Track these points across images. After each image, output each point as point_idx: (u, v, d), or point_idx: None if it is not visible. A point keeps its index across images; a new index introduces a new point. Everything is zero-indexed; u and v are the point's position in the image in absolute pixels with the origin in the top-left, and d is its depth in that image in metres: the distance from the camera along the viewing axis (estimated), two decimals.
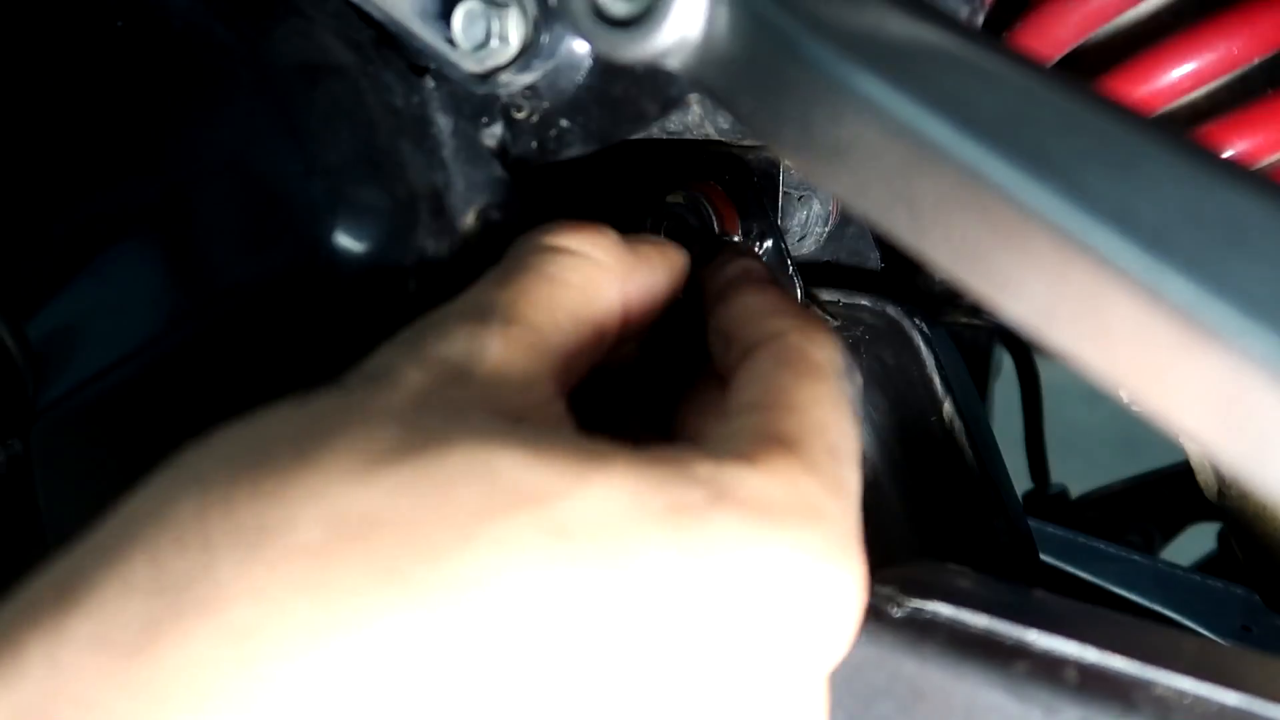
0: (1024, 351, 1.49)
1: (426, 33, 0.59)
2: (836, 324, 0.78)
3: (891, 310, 0.80)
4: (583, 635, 0.31)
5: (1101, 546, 1.13)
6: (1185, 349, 0.36)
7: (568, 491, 0.32)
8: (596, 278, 0.47)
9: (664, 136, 0.69)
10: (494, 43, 0.55)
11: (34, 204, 0.74)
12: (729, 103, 0.48)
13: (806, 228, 0.84)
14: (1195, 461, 0.80)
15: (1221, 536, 1.38)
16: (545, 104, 0.58)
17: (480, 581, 0.29)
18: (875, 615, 0.53)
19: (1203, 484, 0.80)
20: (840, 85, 0.43)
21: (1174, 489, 1.47)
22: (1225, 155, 0.45)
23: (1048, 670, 0.49)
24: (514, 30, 0.55)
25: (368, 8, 0.62)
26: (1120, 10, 0.59)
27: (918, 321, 0.80)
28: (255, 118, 0.61)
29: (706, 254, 0.59)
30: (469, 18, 0.56)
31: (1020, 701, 0.49)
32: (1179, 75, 0.58)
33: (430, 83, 0.62)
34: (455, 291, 0.48)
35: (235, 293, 0.66)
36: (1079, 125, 0.39)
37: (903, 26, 0.43)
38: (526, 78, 0.57)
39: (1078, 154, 0.39)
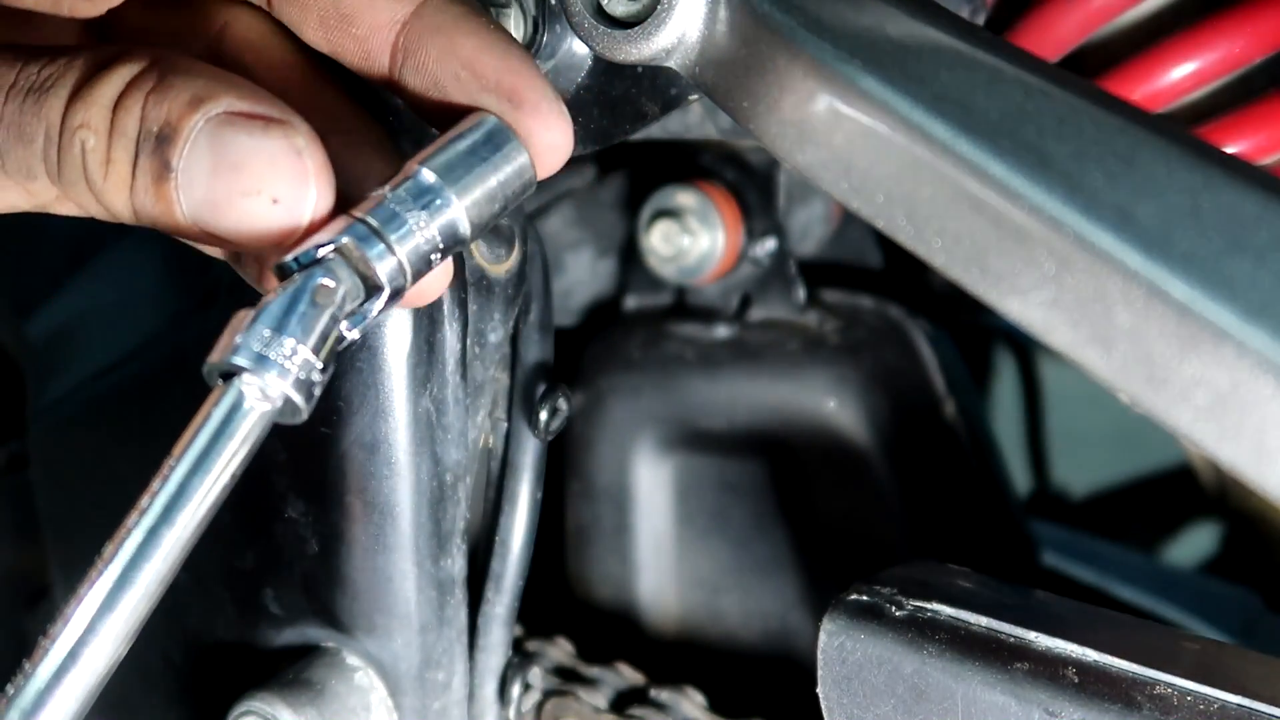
0: (1024, 351, 1.50)
1: None
2: (839, 324, 0.78)
3: (893, 311, 0.80)
4: None
5: (1101, 546, 1.13)
6: (1185, 348, 0.36)
7: None
8: None
9: (665, 136, 0.69)
10: None
11: None
12: (728, 103, 0.47)
13: (808, 228, 0.85)
14: (1196, 462, 0.80)
15: (1222, 536, 1.38)
16: None
17: None
18: (875, 615, 0.53)
19: (1204, 484, 0.80)
20: (841, 85, 0.43)
21: (1174, 489, 1.47)
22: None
23: (1048, 670, 0.49)
24: (514, 30, 0.55)
25: None
26: (1120, 10, 0.59)
27: (920, 322, 0.81)
28: None
29: None
30: None
31: (1020, 701, 0.49)
32: (1179, 75, 0.58)
33: None
34: None
35: (234, 291, 0.67)
36: (1080, 124, 0.39)
37: (903, 26, 0.43)
38: None
39: (1078, 153, 0.39)
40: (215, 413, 0.39)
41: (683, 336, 0.80)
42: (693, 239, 0.76)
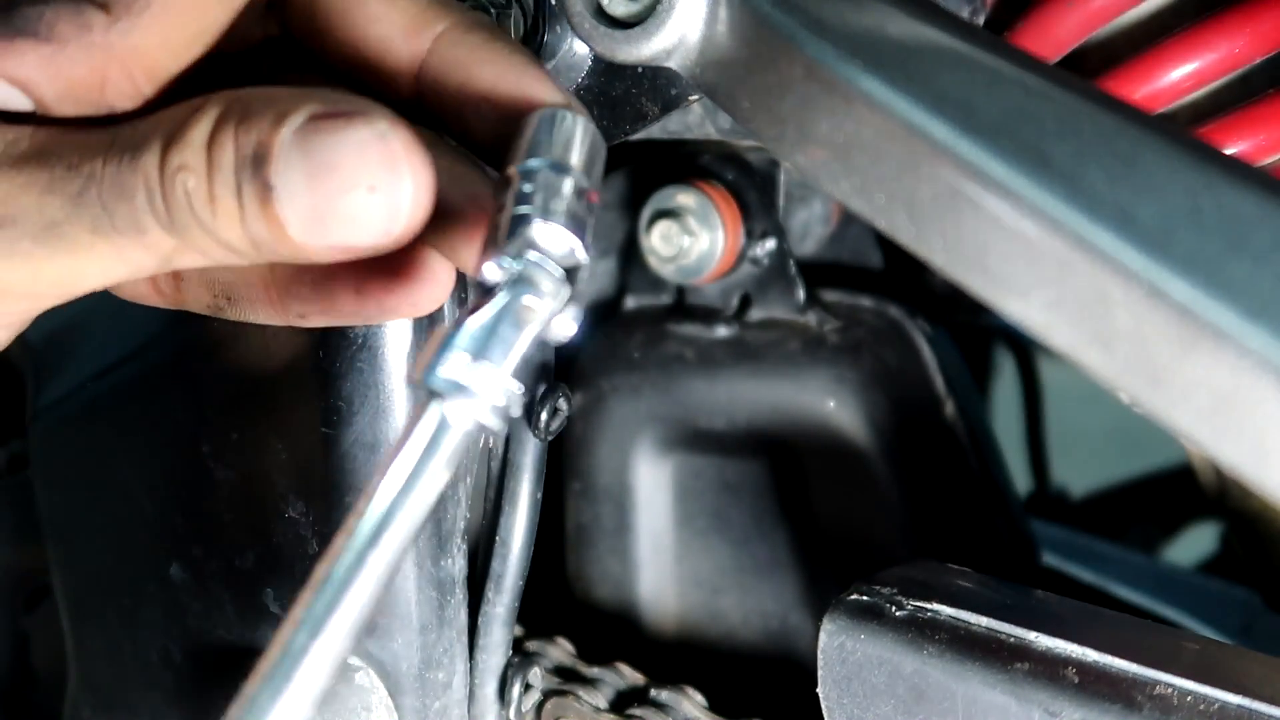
0: (1024, 351, 1.50)
1: None
2: (839, 324, 0.78)
3: (893, 311, 0.80)
4: None
5: (1101, 546, 1.13)
6: (1185, 349, 0.36)
7: None
8: None
9: (665, 136, 0.69)
10: None
11: None
12: (728, 103, 0.48)
13: (808, 228, 0.85)
14: (1196, 461, 0.80)
15: (1222, 536, 1.38)
16: None
17: None
18: (875, 615, 0.53)
19: (1204, 484, 0.80)
20: (841, 85, 0.43)
21: (1174, 489, 1.47)
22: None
23: (1048, 670, 0.49)
24: (514, 30, 0.55)
25: None
26: (1120, 10, 0.59)
27: (920, 322, 0.81)
28: None
29: None
30: None
31: (1020, 701, 0.49)
32: (1180, 75, 0.58)
33: None
34: None
35: None
36: (1080, 124, 0.39)
37: (904, 26, 0.43)
38: None
39: (1078, 153, 0.39)
40: (418, 433, 0.39)
41: (683, 336, 0.80)
42: (693, 239, 0.76)
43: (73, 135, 0.43)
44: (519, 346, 0.39)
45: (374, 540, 0.38)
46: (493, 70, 0.45)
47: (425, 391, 0.39)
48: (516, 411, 0.40)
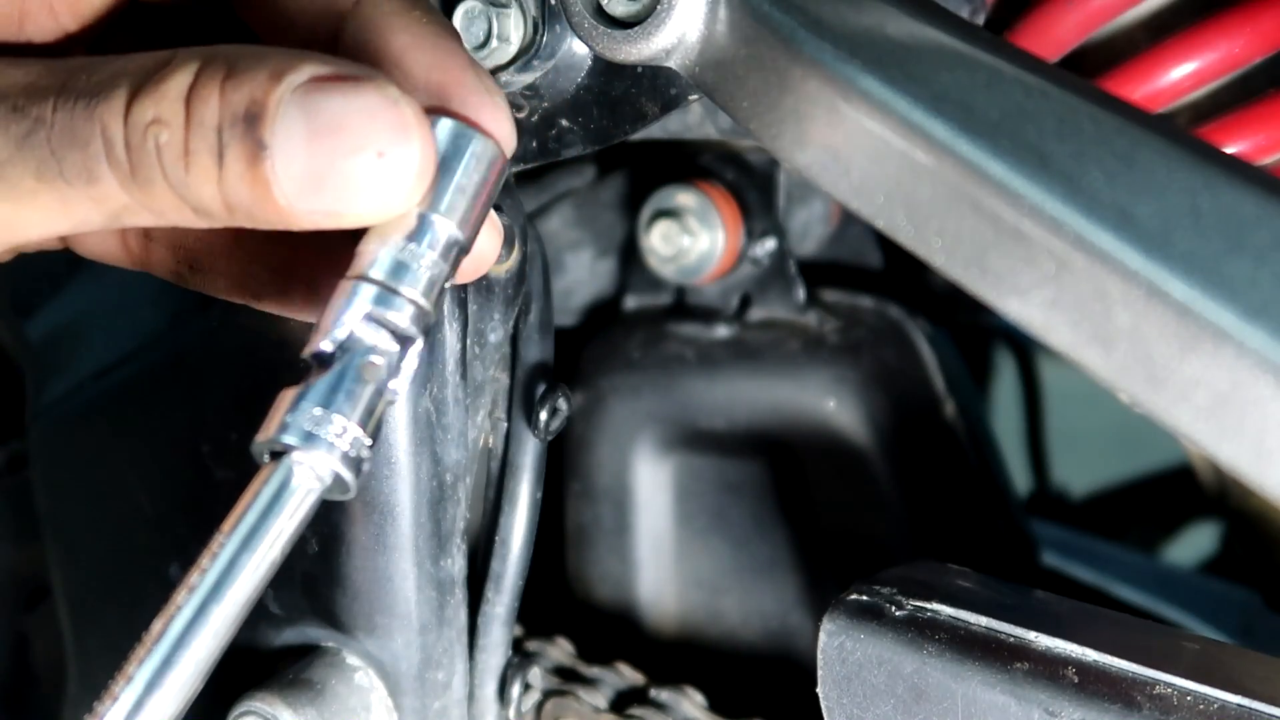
0: (1024, 351, 1.50)
1: None
2: (839, 324, 0.78)
3: (893, 311, 0.80)
4: None
5: (1101, 546, 1.14)
6: (1185, 348, 0.36)
7: None
8: None
9: (665, 136, 0.69)
10: (494, 42, 0.55)
11: None
12: (728, 103, 0.48)
13: (808, 228, 0.85)
14: (1197, 461, 0.80)
15: (1222, 536, 1.38)
16: (545, 103, 0.58)
17: None
18: (875, 615, 0.53)
19: (1204, 484, 0.80)
20: (840, 85, 0.43)
21: (1174, 489, 1.47)
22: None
23: (1048, 670, 0.49)
24: (514, 30, 0.55)
25: None
26: (1120, 10, 0.59)
27: (920, 322, 0.81)
28: None
29: None
30: (469, 17, 0.56)
31: (1020, 701, 0.49)
32: (1180, 75, 0.58)
33: None
34: None
35: None
36: (1080, 124, 0.39)
37: (903, 26, 0.43)
38: (526, 77, 0.57)
39: (1078, 153, 0.39)
40: (265, 490, 0.39)
41: (683, 336, 0.80)
42: (693, 239, 0.76)
43: (14, 74, 0.41)
44: (364, 398, 0.39)
45: (216, 597, 0.38)
46: (407, 38, 0.43)
47: (270, 452, 0.39)
48: (367, 464, 0.40)
